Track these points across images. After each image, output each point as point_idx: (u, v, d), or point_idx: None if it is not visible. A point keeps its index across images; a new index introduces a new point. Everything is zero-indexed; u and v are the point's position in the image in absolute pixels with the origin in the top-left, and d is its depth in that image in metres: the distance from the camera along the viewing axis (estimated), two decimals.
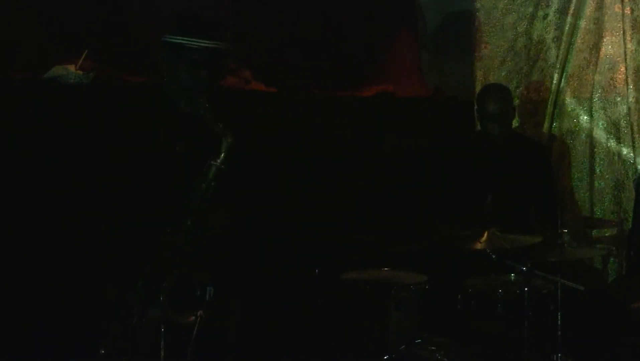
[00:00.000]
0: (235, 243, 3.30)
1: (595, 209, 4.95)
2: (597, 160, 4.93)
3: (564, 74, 5.04)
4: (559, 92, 5.05)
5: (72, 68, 3.73)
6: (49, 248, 3.49)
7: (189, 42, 3.02)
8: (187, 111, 3.09)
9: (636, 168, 4.80)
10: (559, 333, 3.62)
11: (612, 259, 4.86)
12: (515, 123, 4.78)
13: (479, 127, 4.63)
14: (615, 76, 4.87)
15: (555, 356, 3.63)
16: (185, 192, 2.97)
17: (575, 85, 5.02)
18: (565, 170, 5.01)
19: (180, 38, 3.03)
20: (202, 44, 3.03)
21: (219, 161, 2.94)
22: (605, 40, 4.90)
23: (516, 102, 4.94)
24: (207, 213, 2.99)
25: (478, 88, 4.87)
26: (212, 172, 2.95)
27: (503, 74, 5.18)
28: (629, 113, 4.83)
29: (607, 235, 4.92)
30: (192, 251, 2.97)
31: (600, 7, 4.92)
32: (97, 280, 3.10)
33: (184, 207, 2.96)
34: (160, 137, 3.10)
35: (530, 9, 5.13)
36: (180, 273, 2.94)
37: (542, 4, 5.10)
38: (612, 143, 4.90)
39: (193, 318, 2.90)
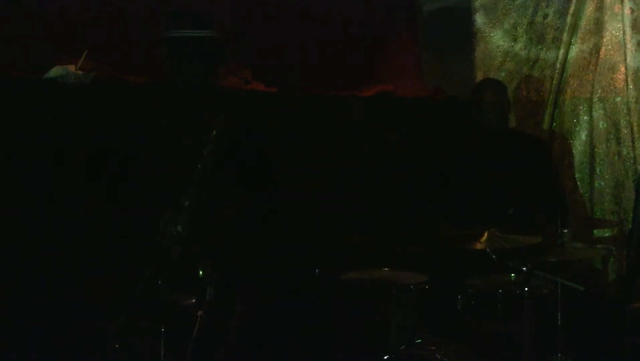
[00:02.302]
0: (236, 243, 3.31)
1: (595, 209, 4.95)
2: (597, 160, 4.93)
3: (564, 74, 5.04)
4: (559, 92, 5.05)
5: (72, 68, 3.73)
6: (50, 247, 3.49)
7: (176, 34, 3.14)
8: (191, 104, 3.16)
9: (636, 168, 4.80)
10: (559, 333, 3.62)
11: (612, 259, 4.86)
12: (512, 122, 4.80)
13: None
14: (615, 76, 4.87)
15: (555, 356, 3.64)
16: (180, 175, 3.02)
17: (575, 85, 5.01)
18: (565, 170, 5.01)
19: (170, 32, 3.15)
20: (187, 34, 3.15)
21: (211, 138, 3.00)
22: (605, 40, 4.90)
23: (515, 101, 4.94)
24: (212, 201, 3.04)
25: None
26: (205, 149, 3.01)
27: (503, 74, 5.18)
28: (629, 113, 4.83)
29: (607, 235, 4.92)
30: (196, 248, 3.00)
31: (600, 7, 4.92)
32: (101, 275, 3.13)
33: (179, 189, 3.01)
34: (167, 131, 3.16)
35: (530, 9, 5.13)
36: (183, 261, 2.97)
37: (542, 4, 5.10)
38: (612, 143, 4.90)
39: (194, 300, 2.93)
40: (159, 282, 2.92)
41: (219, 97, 3.16)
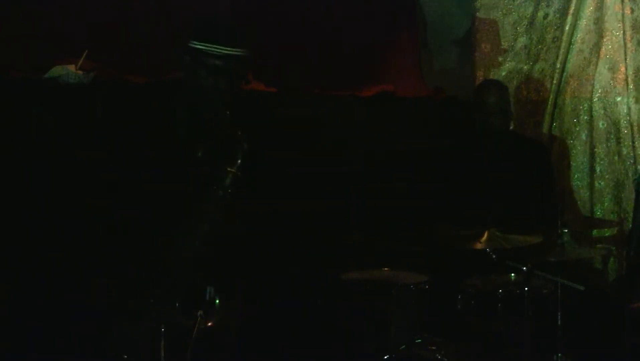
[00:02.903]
0: (238, 244, 3.31)
1: (595, 209, 4.95)
2: (597, 160, 4.93)
3: (564, 74, 5.04)
4: (559, 92, 5.05)
5: (72, 68, 3.73)
6: (50, 247, 3.49)
7: (211, 49, 3.04)
8: (208, 117, 3.10)
9: (636, 168, 4.80)
10: (559, 333, 3.62)
11: (612, 259, 4.86)
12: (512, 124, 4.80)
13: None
14: (615, 76, 4.87)
15: (555, 356, 3.64)
16: (200, 197, 2.98)
17: (575, 85, 5.02)
18: (565, 170, 5.01)
19: (202, 44, 3.05)
20: (224, 51, 3.05)
21: (235, 168, 2.95)
22: (605, 40, 4.90)
23: (515, 101, 4.95)
24: (224, 218, 3.01)
25: None
26: (228, 178, 2.96)
27: (503, 74, 5.19)
28: (629, 113, 4.83)
29: (607, 235, 4.92)
30: (204, 254, 2.99)
31: (600, 7, 4.92)
32: (101, 275, 3.12)
33: (199, 213, 2.97)
34: (180, 140, 3.13)
35: (531, 9, 5.14)
36: (194, 277, 2.96)
37: (542, 3, 5.10)
38: (612, 143, 4.90)
39: (209, 323, 2.92)
40: (172, 302, 2.91)
41: (242, 122, 3.07)
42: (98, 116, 3.60)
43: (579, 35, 5.00)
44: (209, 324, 2.92)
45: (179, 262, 2.94)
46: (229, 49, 3.05)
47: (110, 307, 3.07)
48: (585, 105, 4.97)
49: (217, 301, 2.95)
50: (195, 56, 3.08)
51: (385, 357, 3.58)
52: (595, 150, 4.93)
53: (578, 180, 5.01)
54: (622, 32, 4.83)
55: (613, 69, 4.88)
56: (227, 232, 3.14)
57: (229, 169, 2.95)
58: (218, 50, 3.05)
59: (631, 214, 4.56)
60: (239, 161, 2.96)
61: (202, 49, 3.06)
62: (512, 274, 3.81)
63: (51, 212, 3.50)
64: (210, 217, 2.96)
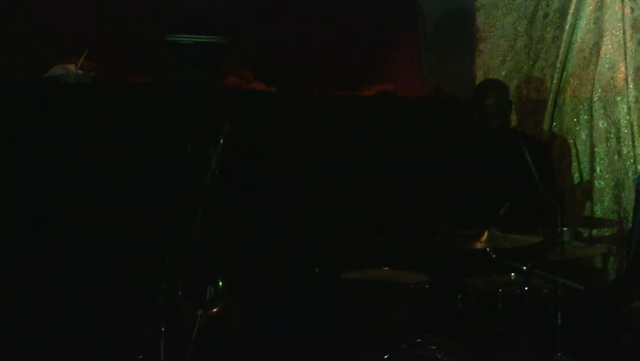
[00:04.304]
0: (236, 243, 3.31)
1: (595, 209, 4.95)
2: (597, 159, 4.93)
3: (564, 74, 5.04)
4: (559, 91, 5.05)
5: (72, 68, 3.72)
6: (50, 247, 3.49)
7: (183, 39, 3.10)
8: (195, 111, 3.15)
9: (636, 168, 4.80)
10: (559, 333, 3.62)
11: (612, 259, 4.87)
12: (513, 122, 4.80)
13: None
14: (615, 76, 4.87)
15: (555, 356, 3.64)
16: (191, 185, 3.02)
17: (575, 85, 5.02)
18: (565, 170, 5.02)
19: (175, 36, 3.11)
20: (195, 39, 3.10)
21: (218, 149, 2.99)
22: (605, 39, 4.90)
23: (515, 100, 4.95)
24: (218, 209, 3.03)
25: None
26: (213, 160, 3.00)
27: (503, 73, 5.20)
28: (629, 113, 4.83)
29: (607, 234, 4.93)
30: (207, 249, 3.01)
31: (600, 6, 4.92)
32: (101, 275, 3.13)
33: (193, 200, 3.00)
34: (171, 138, 3.16)
35: (531, 8, 5.14)
36: (196, 267, 2.98)
37: (543, 3, 5.10)
38: (612, 143, 4.90)
39: (215, 310, 2.94)
40: (179, 294, 2.93)
41: (222, 103, 3.13)
42: (98, 116, 3.60)
43: (579, 35, 5.00)
44: (214, 310, 2.94)
45: (180, 252, 2.97)
46: (202, 36, 3.12)
47: (110, 307, 3.08)
48: (585, 104, 4.97)
49: (221, 284, 2.97)
50: (173, 50, 3.14)
51: (385, 357, 3.58)
52: (595, 149, 4.93)
53: (578, 179, 5.01)
54: (622, 31, 4.83)
55: (613, 69, 4.88)
56: (225, 228, 3.16)
57: (212, 151, 3.00)
58: (192, 39, 3.11)
59: (631, 214, 4.56)
60: (222, 141, 3.00)
61: (177, 40, 3.13)
62: (512, 274, 3.81)
63: (51, 212, 3.50)
64: (203, 202, 3.00)
